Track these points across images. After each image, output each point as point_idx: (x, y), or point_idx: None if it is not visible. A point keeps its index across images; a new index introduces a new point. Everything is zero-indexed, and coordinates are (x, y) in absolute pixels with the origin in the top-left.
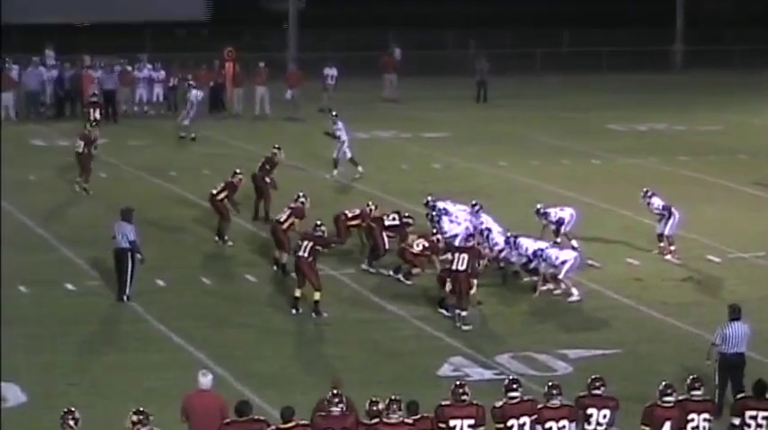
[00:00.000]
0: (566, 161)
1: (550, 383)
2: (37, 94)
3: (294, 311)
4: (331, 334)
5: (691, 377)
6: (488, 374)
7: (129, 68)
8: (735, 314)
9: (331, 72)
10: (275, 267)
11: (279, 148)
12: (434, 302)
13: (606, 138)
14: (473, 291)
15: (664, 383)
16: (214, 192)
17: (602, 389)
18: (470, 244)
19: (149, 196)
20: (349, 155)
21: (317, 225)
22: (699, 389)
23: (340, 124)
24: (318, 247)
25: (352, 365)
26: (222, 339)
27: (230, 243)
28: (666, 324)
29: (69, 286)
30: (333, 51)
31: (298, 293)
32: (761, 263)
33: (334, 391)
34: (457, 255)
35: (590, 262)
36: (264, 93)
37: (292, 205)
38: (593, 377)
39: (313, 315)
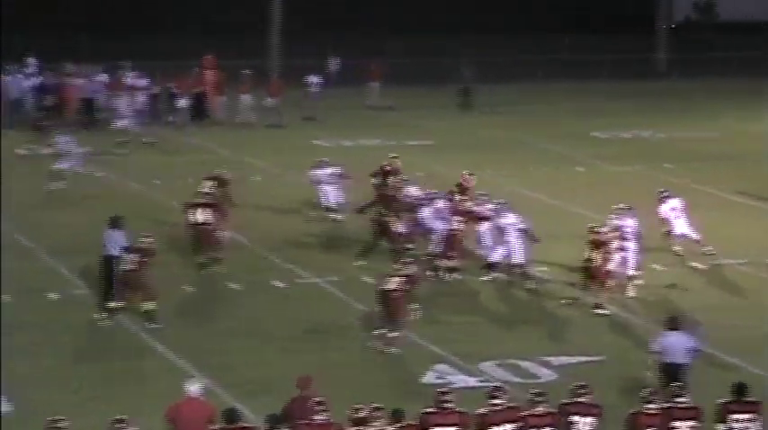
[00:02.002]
0: (550, 168)
1: (535, 390)
2: (20, 102)
3: (101, 315)
4: (316, 341)
5: (675, 384)
6: (472, 382)
7: (106, 76)
8: (672, 324)
9: (314, 80)
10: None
11: (396, 157)
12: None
13: (590, 146)
14: (413, 317)
15: (647, 390)
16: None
17: (586, 396)
18: (407, 271)
19: (133, 204)
20: (63, 166)
21: (144, 236)
22: (683, 396)
23: (64, 138)
24: (144, 259)
25: (336, 373)
26: (207, 347)
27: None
28: (650, 331)
29: (53, 295)
30: (316, 59)
31: (151, 306)
32: (745, 270)
33: (318, 399)
34: (391, 278)
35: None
36: (249, 101)
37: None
38: (576, 384)
39: (146, 324)
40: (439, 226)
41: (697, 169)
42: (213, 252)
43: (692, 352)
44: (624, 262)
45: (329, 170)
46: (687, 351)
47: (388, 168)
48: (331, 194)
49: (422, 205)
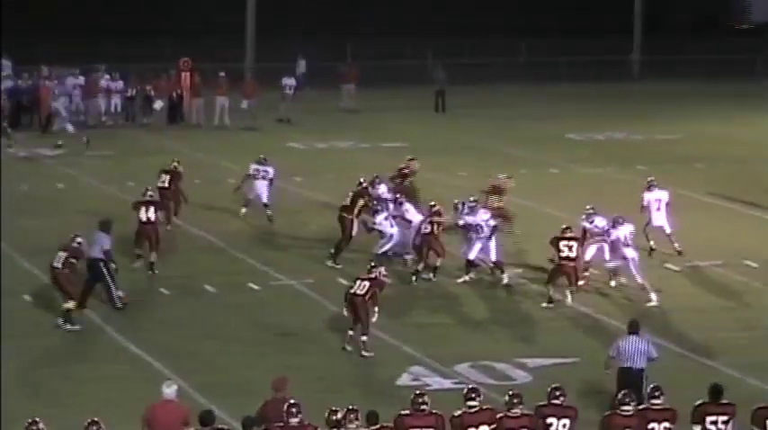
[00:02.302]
0: (524, 171)
1: (511, 392)
2: None
3: (61, 322)
4: (291, 343)
5: (650, 386)
6: (448, 383)
7: (82, 79)
8: (632, 328)
9: (289, 82)
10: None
11: (413, 158)
12: (394, 310)
13: (565, 148)
14: (374, 319)
15: (623, 392)
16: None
17: (562, 398)
18: (373, 274)
19: (107, 207)
20: None
21: (74, 236)
22: (658, 397)
23: None
24: (73, 259)
25: (312, 375)
26: (181, 349)
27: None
28: (625, 332)
29: (27, 297)
30: (292, 62)
31: (71, 305)
32: (719, 271)
33: (292, 401)
34: (358, 282)
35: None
36: (225, 103)
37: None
38: (552, 386)
39: (59, 321)
40: (393, 231)
41: (670, 171)
42: (152, 250)
43: (649, 357)
44: (630, 268)
45: (269, 169)
46: (645, 356)
47: (406, 171)
48: (256, 190)
49: (378, 209)
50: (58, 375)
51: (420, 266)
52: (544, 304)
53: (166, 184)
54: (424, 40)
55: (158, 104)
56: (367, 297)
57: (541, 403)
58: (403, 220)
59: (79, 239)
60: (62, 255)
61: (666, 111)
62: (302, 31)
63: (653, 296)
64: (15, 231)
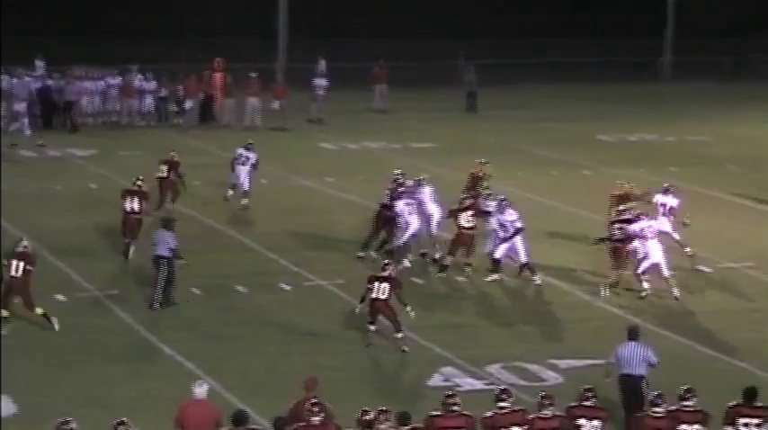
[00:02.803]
0: (555, 172)
1: (543, 393)
2: (29, 105)
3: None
4: (321, 344)
5: (682, 388)
6: (479, 384)
7: (120, 79)
8: (632, 334)
9: (321, 83)
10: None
11: (484, 162)
12: (425, 311)
13: (596, 149)
14: (413, 315)
15: (654, 393)
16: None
17: (593, 399)
18: (387, 273)
19: None
20: None
21: (18, 240)
22: (690, 399)
23: None
24: (29, 267)
25: (342, 376)
26: (212, 350)
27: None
28: (657, 334)
29: (60, 297)
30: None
31: (4, 313)
32: (751, 273)
33: (314, 400)
34: (377, 284)
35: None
36: (256, 104)
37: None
38: (584, 387)
39: (45, 325)
40: (412, 219)
41: (703, 172)
42: (133, 238)
43: (649, 363)
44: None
45: (251, 155)
46: (644, 362)
47: (480, 174)
48: (241, 176)
49: (399, 197)
50: (90, 375)
51: (448, 261)
52: (605, 289)
53: (165, 174)
54: (456, 41)
55: (189, 104)
56: (389, 300)
57: (572, 404)
58: (419, 207)
59: (24, 243)
60: (17, 263)
61: (698, 113)
62: (334, 31)
63: (676, 290)
64: (48, 231)
